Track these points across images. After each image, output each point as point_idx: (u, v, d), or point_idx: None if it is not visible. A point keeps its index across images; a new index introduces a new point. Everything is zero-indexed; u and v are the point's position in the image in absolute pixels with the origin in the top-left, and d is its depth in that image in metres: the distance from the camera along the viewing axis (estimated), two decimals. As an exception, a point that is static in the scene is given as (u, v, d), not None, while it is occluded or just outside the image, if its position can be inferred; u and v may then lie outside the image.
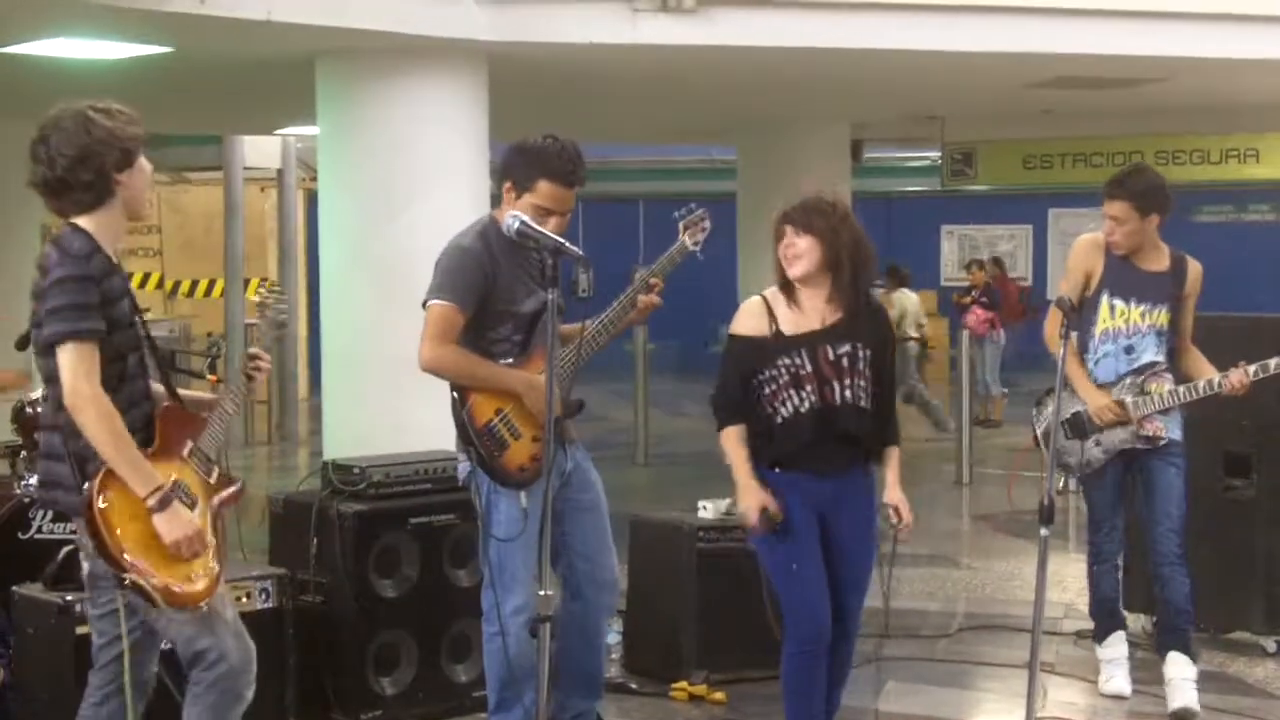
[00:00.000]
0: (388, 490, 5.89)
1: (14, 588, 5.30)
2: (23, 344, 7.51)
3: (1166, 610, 6.04)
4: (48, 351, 3.91)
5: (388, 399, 7.73)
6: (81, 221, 3.98)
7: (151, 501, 3.89)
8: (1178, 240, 6.11)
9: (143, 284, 18.51)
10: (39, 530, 6.07)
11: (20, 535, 6.04)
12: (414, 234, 7.89)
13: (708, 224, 5.27)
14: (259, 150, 16.42)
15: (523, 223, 4.09)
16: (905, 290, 16.76)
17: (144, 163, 4.08)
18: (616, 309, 5.10)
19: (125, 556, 3.86)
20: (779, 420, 4.82)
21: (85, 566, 4.10)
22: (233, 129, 15.22)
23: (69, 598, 4.97)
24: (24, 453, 6.90)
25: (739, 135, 14.02)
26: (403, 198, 8.28)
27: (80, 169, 3.94)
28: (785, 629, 4.87)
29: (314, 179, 11.95)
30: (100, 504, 3.86)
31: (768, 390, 4.82)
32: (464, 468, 5.06)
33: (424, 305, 4.95)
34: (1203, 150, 14.27)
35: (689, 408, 17.34)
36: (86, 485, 3.88)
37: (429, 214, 8.00)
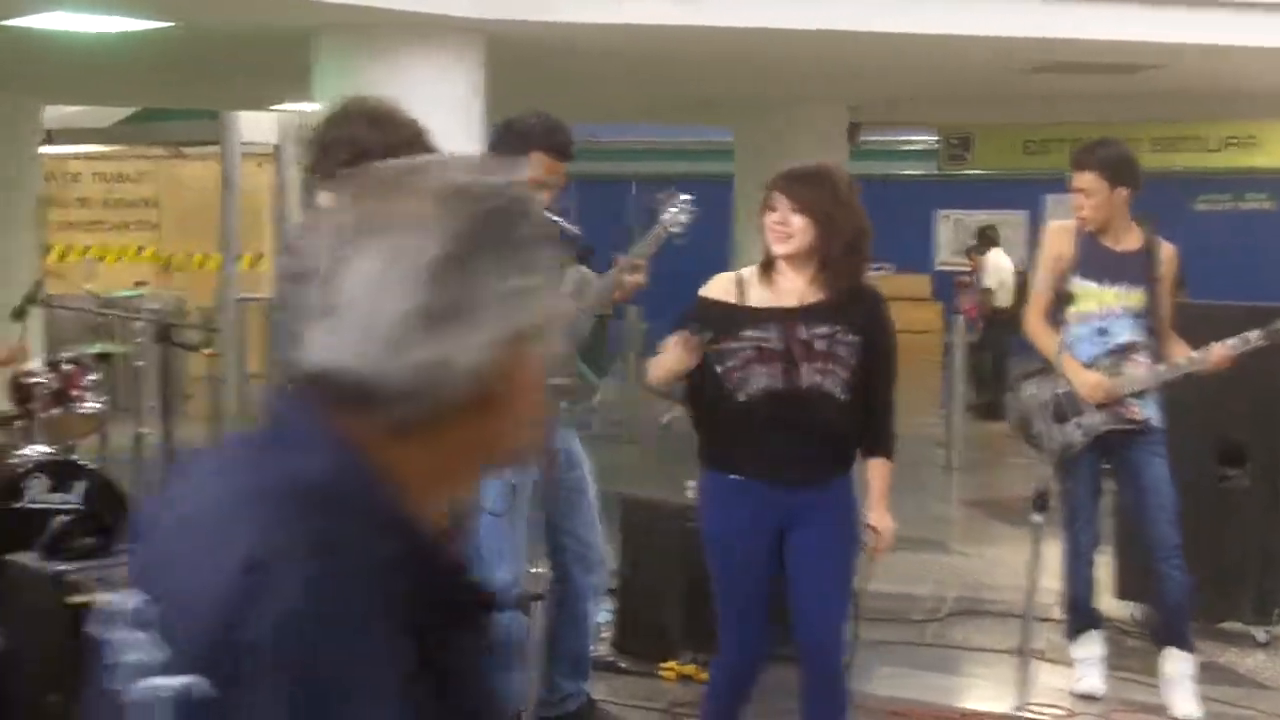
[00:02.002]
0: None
1: (7, 556, 5.30)
2: (18, 314, 7.57)
3: (1164, 607, 5.97)
4: None
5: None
6: None
7: None
8: (1175, 228, 6.04)
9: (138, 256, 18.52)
10: (32, 500, 6.08)
11: (13, 504, 6.06)
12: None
13: (689, 207, 5.30)
14: (257, 125, 16.37)
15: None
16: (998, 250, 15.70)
17: None
18: (602, 290, 5.14)
19: None
20: (739, 402, 4.28)
21: None
22: (229, 104, 15.19)
23: (62, 567, 4.96)
24: (18, 422, 6.92)
25: (735, 117, 13.98)
26: (399, 174, 8.25)
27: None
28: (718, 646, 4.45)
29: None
30: None
31: (730, 363, 4.29)
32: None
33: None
34: (1201, 138, 14.24)
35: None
36: None
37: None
